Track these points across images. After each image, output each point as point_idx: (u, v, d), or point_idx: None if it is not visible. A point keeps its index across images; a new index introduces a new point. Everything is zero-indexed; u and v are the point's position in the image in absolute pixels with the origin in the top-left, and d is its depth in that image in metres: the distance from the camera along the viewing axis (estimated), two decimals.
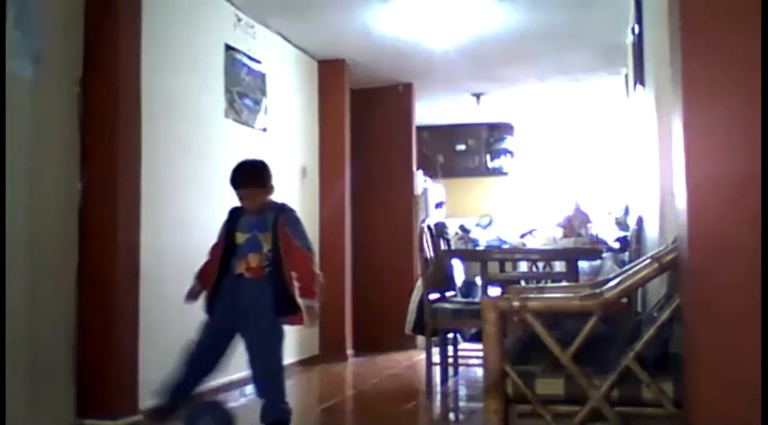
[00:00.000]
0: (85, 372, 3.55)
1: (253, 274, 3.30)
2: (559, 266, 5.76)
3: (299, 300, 3.24)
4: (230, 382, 4.75)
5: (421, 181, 7.30)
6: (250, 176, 3.39)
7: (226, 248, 3.35)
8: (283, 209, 3.43)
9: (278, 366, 3.40)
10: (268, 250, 3.30)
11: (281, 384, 3.38)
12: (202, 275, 3.40)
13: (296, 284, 3.25)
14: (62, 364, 3.50)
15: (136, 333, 3.73)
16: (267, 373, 3.35)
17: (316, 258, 3.41)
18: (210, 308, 3.34)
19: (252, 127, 5.23)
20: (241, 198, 3.39)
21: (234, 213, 3.45)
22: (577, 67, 6.58)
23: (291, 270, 3.28)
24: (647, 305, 3.49)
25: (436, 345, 4.77)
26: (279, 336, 3.35)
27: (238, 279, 3.31)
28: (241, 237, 3.35)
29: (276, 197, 5.58)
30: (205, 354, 3.33)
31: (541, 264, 5.94)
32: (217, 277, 3.33)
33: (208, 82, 4.72)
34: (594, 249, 5.00)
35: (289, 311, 3.28)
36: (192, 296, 3.39)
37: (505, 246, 5.81)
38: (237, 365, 4.88)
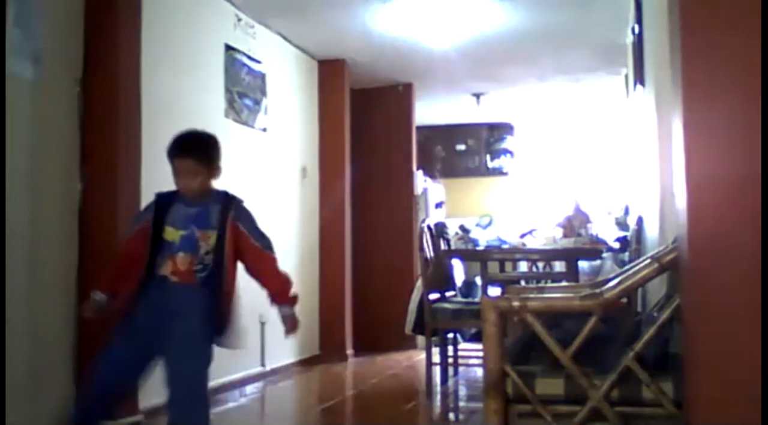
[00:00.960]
0: (85, 373, 3.55)
1: (181, 278, 2.65)
2: (559, 266, 5.76)
3: (276, 308, 2.78)
4: (230, 382, 4.76)
5: (421, 181, 7.30)
6: (195, 146, 2.73)
7: (152, 243, 2.67)
8: (232, 201, 2.77)
9: (202, 392, 2.68)
10: (207, 252, 2.66)
11: (204, 417, 2.67)
12: (112, 279, 2.73)
13: (267, 291, 2.77)
14: (62, 364, 3.50)
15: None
16: (188, 400, 2.62)
17: (276, 258, 2.82)
18: (125, 317, 2.64)
19: (252, 127, 5.23)
20: (176, 174, 2.69)
21: (163, 200, 2.75)
22: (577, 67, 6.58)
23: (255, 277, 2.78)
24: (647, 305, 3.49)
25: (436, 345, 4.77)
26: (206, 358, 2.68)
27: (162, 283, 2.66)
28: (173, 233, 2.68)
29: (276, 197, 5.63)
30: (118, 374, 2.65)
31: (541, 264, 5.94)
32: (140, 279, 2.66)
33: (208, 82, 4.72)
34: (594, 249, 5.00)
35: (222, 331, 2.70)
36: (97, 311, 2.69)
37: (505, 246, 5.82)
38: (237, 365, 4.91)
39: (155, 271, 2.66)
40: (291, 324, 2.79)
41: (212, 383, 4.48)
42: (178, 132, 2.79)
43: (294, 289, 2.81)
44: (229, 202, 2.75)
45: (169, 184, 4.23)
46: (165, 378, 2.58)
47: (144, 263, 2.65)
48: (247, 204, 2.82)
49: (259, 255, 2.74)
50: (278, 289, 2.78)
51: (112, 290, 2.69)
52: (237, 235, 2.69)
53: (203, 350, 2.65)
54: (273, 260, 2.79)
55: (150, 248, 2.65)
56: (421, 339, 5.90)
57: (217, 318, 2.67)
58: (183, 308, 2.62)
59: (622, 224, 6.48)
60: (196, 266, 2.66)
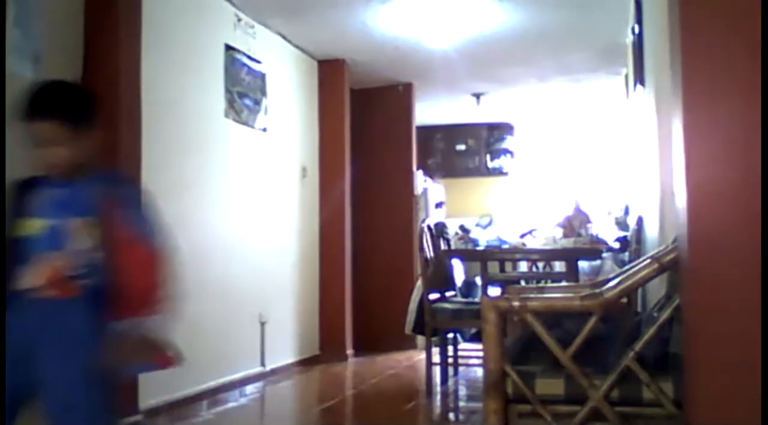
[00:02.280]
0: None
1: (54, 292, 1.86)
2: (559, 266, 5.76)
3: (120, 324, 1.86)
4: (230, 382, 4.76)
5: (421, 181, 7.30)
6: (56, 103, 1.94)
7: (7, 246, 1.91)
8: (118, 180, 2.11)
9: None
10: (90, 248, 1.88)
11: None
12: None
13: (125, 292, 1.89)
14: None
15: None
16: None
17: (166, 259, 1.95)
18: None
19: (252, 127, 5.23)
20: (34, 145, 1.90)
21: (24, 188, 1.96)
22: (577, 67, 6.58)
23: (126, 275, 1.91)
24: (647, 305, 3.49)
25: (436, 345, 4.77)
26: (98, 411, 1.87)
27: (25, 301, 1.87)
28: (30, 225, 1.89)
29: (275, 197, 5.64)
30: None
31: (541, 264, 5.95)
32: None
33: (208, 82, 4.71)
34: (594, 249, 5.00)
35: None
36: None
37: (505, 246, 5.81)
38: (236, 365, 4.91)
39: (14, 285, 1.87)
40: (121, 350, 1.86)
41: (212, 383, 4.52)
42: (34, 84, 2.01)
43: (162, 299, 1.91)
44: (112, 179, 2.03)
45: (169, 184, 4.19)
46: None
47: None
48: (137, 185, 2.13)
49: (129, 245, 1.90)
50: (134, 291, 1.88)
51: None
52: (113, 219, 1.92)
53: (91, 400, 1.84)
54: (149, 254, 1.91)
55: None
56: (421, 339, 5.90)
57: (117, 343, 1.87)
58: (62, 336, 1.85)
59: (622, 224, 6.48)
60: (76, 270, 1.87)
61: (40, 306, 1.86)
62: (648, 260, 2.01)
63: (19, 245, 1.88)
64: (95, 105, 2.00)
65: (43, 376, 1.83)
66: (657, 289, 2.98)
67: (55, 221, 1.87)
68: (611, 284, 2.03)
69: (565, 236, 5.36)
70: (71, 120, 1.90)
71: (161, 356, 1.92)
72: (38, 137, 1.88)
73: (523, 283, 5.10)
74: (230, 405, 4.47)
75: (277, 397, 4.98)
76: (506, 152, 9.10)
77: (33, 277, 1.86)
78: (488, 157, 9.13)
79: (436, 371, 4.82)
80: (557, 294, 2.67)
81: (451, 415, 4.48)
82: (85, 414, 1.84)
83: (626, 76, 6.23)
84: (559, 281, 4.99)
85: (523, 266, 6.24)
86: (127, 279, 1.89)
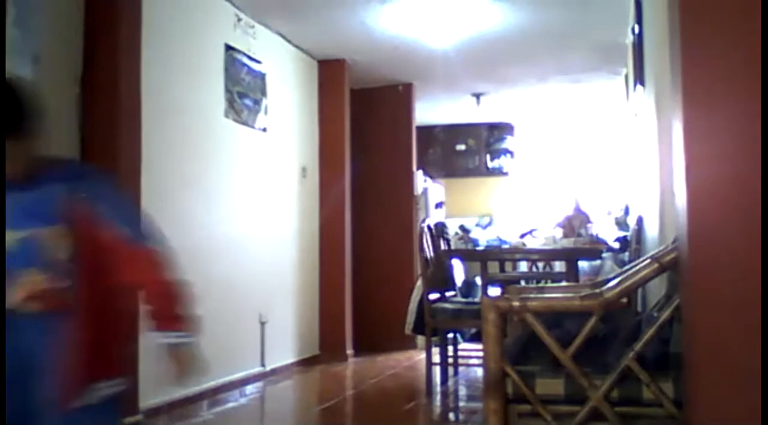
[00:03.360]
0: None
1: (44, 306, 1.75)
2: (559, 266, 5.76)
3: (157, 336, 1.79)
4: (230, 382, 4.76)
5: (421, 181, 7.30)
6: None
7: None
8: (85, 174, 1.90)
9: None
10: (63, 258, 1.75)
11: None
12: None
13: (148, 308, 1.80)
14: None
15: (135, 333, 3.71)
16: None
17: (167, 255, 1.83)
18: None
19: (252, 127, 5.23)
20: None
21: None
22: (577, 67, 6.58)
23: (134, 287, 1.84)
24: (647, 305, 3.49)
25: (436, 345, 4.77)
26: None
27: (12, 322, 1.75)
28: (8, 238, 1.74)
29: (275, 197, 5.64)
30: None
31: (541, 264, 5.94)
32: None
33: (208, 82, 4.72)
34: (594, 249, 5.00)
35: (111, 371, 1.83)
36: None
37: (505, 246, 5.82)
38: (236, 365, 4.91)
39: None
40: (178, 361, 1.78)
41: (212, 383, 4.52)
42: None
43: (187, 307, 1.82)
44: (76, 173, 1.84)
45: (169, 184, 4.19)
46: None
47: None
48: (105, 175, 1.93)
49: (127, 251, 1.78)
50: (161, 304, 1.80)
51: None
52: (92, 223, 1.75)
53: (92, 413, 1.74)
54: (152, 257, 1.80)
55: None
56: (421, 339, 5.89)
57: (101, 359, 1.78)
58: (41, 357, 1.73)
59: (622, 224, 6.48)
60: (62, 282, 1.75)
61: (23, 325, 1.75)
62: (648, 260, 2.01)
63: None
64: (33, 104, 1.77)
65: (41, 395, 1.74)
66: (657, 289, 2.98)
67: (24, 233, 1.74)
68: (611, 284, 2.03)
69: (565, 236, 5.36)
70: (12, 126, 1.71)
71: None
72: None
73: (523, 283, 5.10)
74: (230, 405, 4.47)
75: (277, 397, 4.98)
76: (506, 152, 9.10)
77: (13, 295, 1.74)
78: (488, 157, 9.13)
79: (436, 371, 4.82)
80: (557, 294, 2.67)
81: (451, 415, 4.48)
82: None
83: (626, 76, 6.23)
84: (559, 281, 4.99)
85: (523, 266, 6.23)
86: (141, 288, 1.82)
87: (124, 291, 1.88)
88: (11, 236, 1.74)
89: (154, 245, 1.81)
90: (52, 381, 1.71)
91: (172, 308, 1.79)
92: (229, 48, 4.95)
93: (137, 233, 1.80)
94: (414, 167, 7.15)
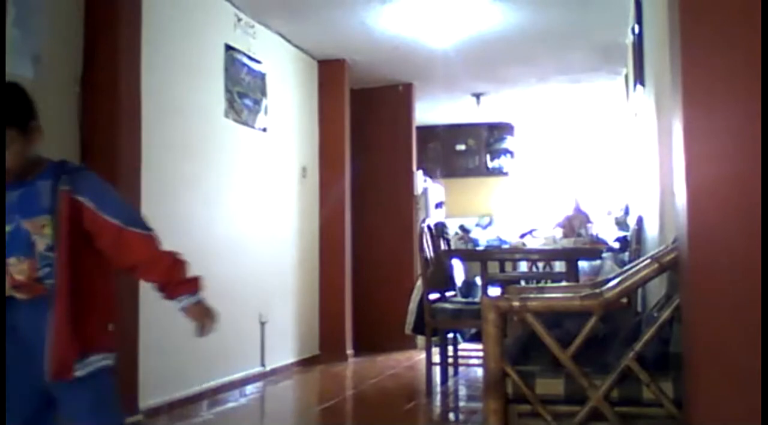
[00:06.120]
0: None
1: (27, 293, 1.90)
2: (559, 266, 5.76)
3: (175, 303, 2.00)
4: (230, 382, 4.76)
5: (421, 181, 7.30)
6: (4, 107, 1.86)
7: None
8: (69, 169, 1.98)
9: None
10: (48, 247, 1.88)
11: None
12: None
13: (152, 284, 2.01)
14: None
15: (135, 333, 3.72)
16: None
17: (156, 236, 2.00)
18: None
19: (252, 127, 5.23)
20: None
21: None
22: (577, 67, 6.58)
23: (129, 269, 2.02)
24: (647, 305, 3.49)
25: (436, 345, 4.77)
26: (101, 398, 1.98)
27: (10, 308, 1.92)
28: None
29: (275, 197, 5.64)
30: None
31: (541, 264, 5.94)
32: None
33: (208, 82, 4.72)
34: (594, 249, 5.00)
35: (100, 346, 1.95)
36: None
37: (505, 246, 5.82)
38: (236, 365, 4.91)
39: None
40: (200, 317, 2.03)
41: (212, 383, 4.52)
42: None
43: (190, 269, 2.02)
44: (64, 170, 1.94)
45: (169, 184, 4.20)
46: None
47: None
48: (92, 171, 2.04)
49: (119, 235, 1.92)
50: (165, 274, 1.98)
51: None
52: (79, 213, 1.89)
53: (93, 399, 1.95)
54: (145, 238, 1.96)
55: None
56: (421, 339, 5.90)
57: (79, 341, 1.88)
58: (36, 335, 1.88)
59: (622, 224, 6.48)
60: (41, 272, 1.88)
61: (18, 311, 1.91)
62: (648, 260, 2.01)
63: None
64: (29, 99, 1.93)
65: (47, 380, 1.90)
66: (657, 289, 2.98)
67: (12, 225, 1.88)
68: (611, 284, 2.03)
69: (565, 236, 5.35)
70: (19, 123, 1.87)
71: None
72: None
73: (523, 283, 5.10)
74: (230, 405, 4.47)
75: (277, 397, 4.98)
76: (506, 152, 9.10)
77: (9, 283, 1.90)
78: (488, 157, 9.13)
79: (436, 371, 4.82)
80: (557, 294, 2.67)
81: (451, 415, 4.48)
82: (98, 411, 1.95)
83: (626, 76, 6.24)
84: (559, 281, 4.98)
85: (523, 266, 6.23)
86: (142, 270, 2.01)
87: (109, 273, 2.01)
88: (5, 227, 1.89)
89: (139, 228, 1.96)
90: (46, 356, 1.86)
91: (176, 276, 1.98)
92: (229, 48, 4.95)
93: (126, 219, 1.94)
94: (414, 167, 7.16)
